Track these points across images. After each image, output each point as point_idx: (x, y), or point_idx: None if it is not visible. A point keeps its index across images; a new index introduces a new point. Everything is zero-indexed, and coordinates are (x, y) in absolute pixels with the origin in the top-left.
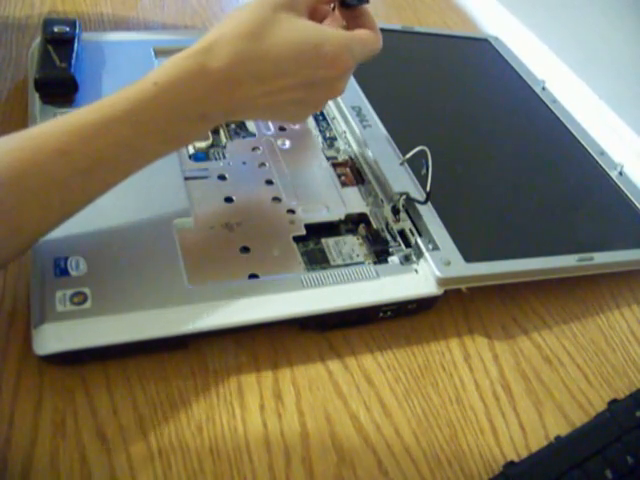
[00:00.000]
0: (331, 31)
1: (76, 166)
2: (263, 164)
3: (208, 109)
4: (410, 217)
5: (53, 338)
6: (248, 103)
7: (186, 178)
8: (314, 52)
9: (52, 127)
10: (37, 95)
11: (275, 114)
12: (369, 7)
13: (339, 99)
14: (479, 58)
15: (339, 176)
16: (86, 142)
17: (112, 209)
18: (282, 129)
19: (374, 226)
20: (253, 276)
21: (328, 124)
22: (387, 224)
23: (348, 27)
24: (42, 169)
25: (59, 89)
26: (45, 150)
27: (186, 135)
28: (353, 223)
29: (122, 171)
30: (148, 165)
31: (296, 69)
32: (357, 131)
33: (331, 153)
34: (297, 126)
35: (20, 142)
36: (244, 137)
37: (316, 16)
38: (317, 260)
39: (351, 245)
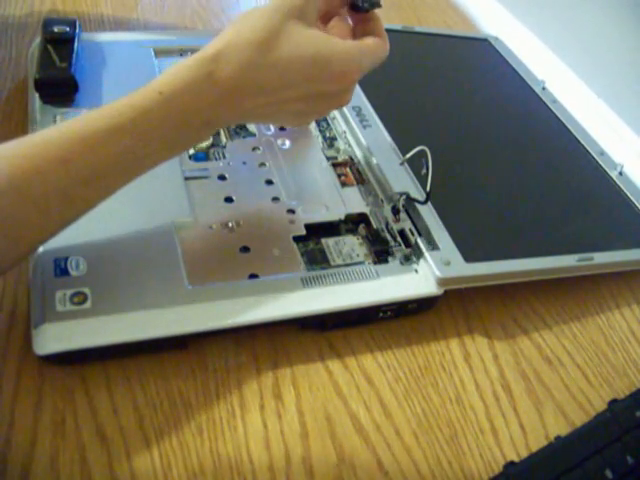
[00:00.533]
0: (340, 44)
1: (78, 175)
2: (263, 164)
3: (212, 117)
4: (410, 217)
5: (53, 338)
6: (252, 111)
7: (186, 178)
8: (322, 66)
9: (54, 134)
10: (37, 95)
11: (278, 121)
12: (379, 11)
13: None
14: (479, 58)
15: (339, 176)
16: (89, 151)
17: (112, 209)
18: (282, 129)
19: (374, 226)
20: (253, 276)
21: (328, 124)
22: (387, 224)
23: (356, 31)
24: (43, 177)
25: (59, 89)
26: (47, 158)
27: (189, 141)
28: (353, 223)
29: (124, 178)
30: (149, 171)
31: (303, 82)
32: (357, 131)
33: (331, 153)
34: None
35: (22, 149)
36: (244, 137)
37: (325, 16)
38: (317, 260)
39: (351, 245)
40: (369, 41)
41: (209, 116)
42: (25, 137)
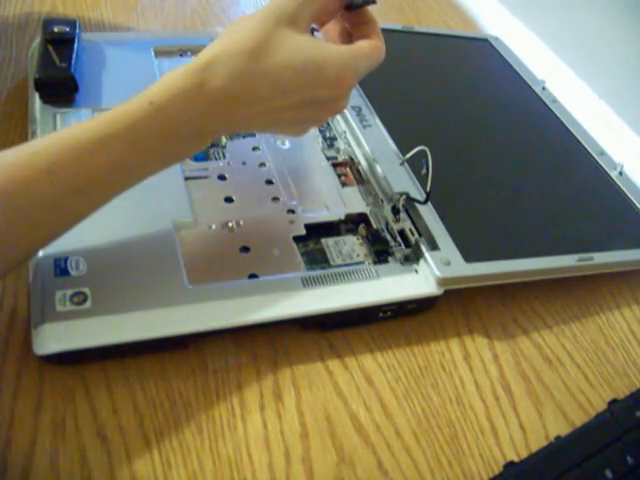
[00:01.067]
0: (334, 49)
1: (67, 185)
2: (263, 164)
3: (206, 127)
4: (410, 217)
5: (53, 338)
6: (247, 121)
7: (186, 178)
8: (316, 72)
9: (46, 144)
10: (37, 95)
11: (274, 130)
12: (376, 13)
13: None
14: (479, 58)
15: (339, 176)
16: (78, 161)
17: (112, 209)
18: None
19: (374, 226)
20: (253, 276)
21: (328, 124)
22: (387, 224)
23: (352, 34)
24: (32, 188)
25: (59, 89)
26: (37, 168)
27: (183, 152)
28: (353, 223)
29: (115, 189)
30: (142, 182)
31: (298, 89)
32: (357, 131)
33: (331, 153)
34: None
35: (14, 158)
36: (244, 137)
37: (321, 19)
38: (317, 260)
39: (351, 245)
40: (364, 44)
41: (201, 126)
42: (23, 145)
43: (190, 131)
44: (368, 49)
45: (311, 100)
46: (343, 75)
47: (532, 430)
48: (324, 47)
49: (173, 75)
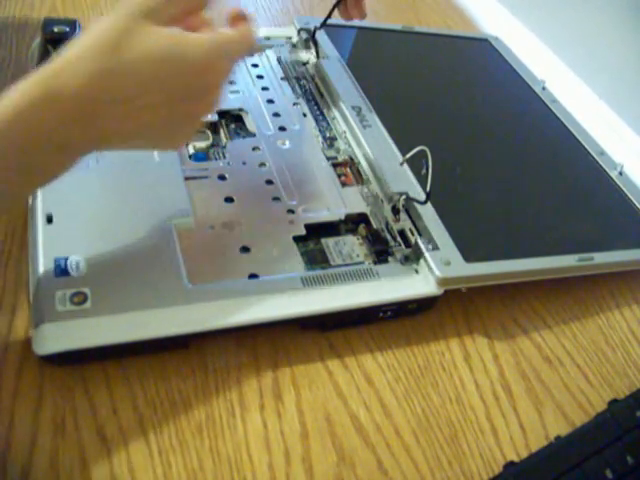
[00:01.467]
0: (195, 37)
1: None
2: (263, 164)
3: (66, 139)
4: (410, 217)
5: (53, 338)
6: (113, 128)
7: (186, 178)
8: (180, 60)
9: None
10: None
11: (144, 138)
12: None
13: (339, 99)
14: (479, 58)
15: (339, 176)
16: None
17: (112, 209)
18: (282, 129)
19: (374, 226)
20: (253, 276)
21: (328, 124)
22: (387, 224)
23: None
24: None
25: None
26: None
27: (46, 170)
28: (353, 223)
29: None
30: (12, 206)
31: (162, 81)
32: (357, 131)
33: (331, 153)
34: (297, 126)
35: None
36: (244, 137)
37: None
38: (317, 260)
39: (351, 245)
40: (228, 30)
41: (60, 139)
42: None
43: (48, 146)
44: (235, 32)
45: (179, 95)
46: (209, 59)
47: (532, 430)
48: (184, 37)
49: (25, 83)
